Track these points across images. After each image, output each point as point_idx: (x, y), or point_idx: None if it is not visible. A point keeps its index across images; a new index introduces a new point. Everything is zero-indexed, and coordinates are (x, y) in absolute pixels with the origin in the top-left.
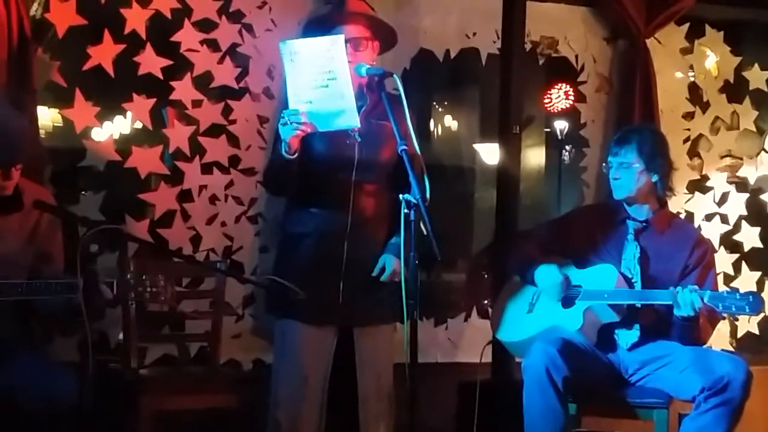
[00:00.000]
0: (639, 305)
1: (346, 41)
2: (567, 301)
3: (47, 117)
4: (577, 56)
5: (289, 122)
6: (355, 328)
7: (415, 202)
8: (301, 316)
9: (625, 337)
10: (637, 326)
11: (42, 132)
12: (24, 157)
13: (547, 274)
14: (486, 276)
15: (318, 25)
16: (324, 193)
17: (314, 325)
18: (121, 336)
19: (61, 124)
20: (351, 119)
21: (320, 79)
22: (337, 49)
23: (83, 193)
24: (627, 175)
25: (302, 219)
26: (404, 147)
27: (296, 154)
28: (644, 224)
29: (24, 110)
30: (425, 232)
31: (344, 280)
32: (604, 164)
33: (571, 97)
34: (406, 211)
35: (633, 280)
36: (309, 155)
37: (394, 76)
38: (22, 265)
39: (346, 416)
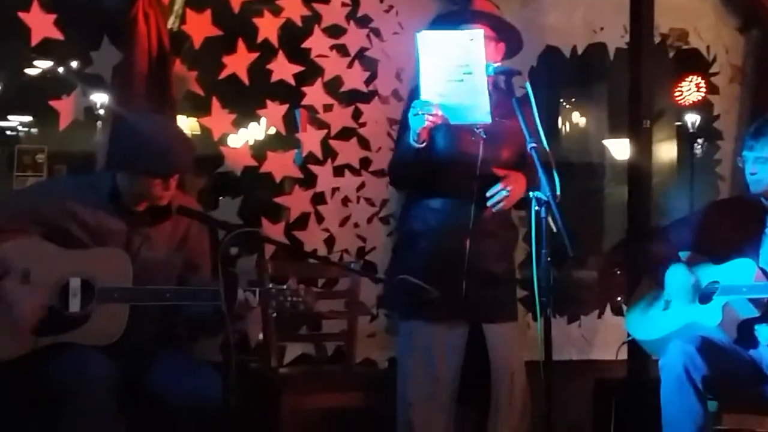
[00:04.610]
0: None
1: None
2: (704, 298)
3: (186, 126)
4: (708, 47)
5: (420, 113)
6: (484, 326)
7: (545, 199)
8: (427, 314)
9: (766, 332)
10: None
11: None
12: (182, 167)
13: (676, 277)
14: (618, 273)
15: (443, 24)
16: (447, 189)
17: (440, 322)
18: (261, 336)
19: (199, 133)
20: (483, 115)
21: (455, 73)
22: (475, 44)
23: (221, 198)
24: (765, 169)
25: (423, 215)
26: (533, 145)
27: (424, 143)
28: None
29: None
30: (555, 230)
31: (467, 275)
32: (738, 158)
33: (703, 89)
34: (536, 208)
35: None
36: (434, 150)
37: (522, 76)
38: (172, 271)
39: (474, 414)
